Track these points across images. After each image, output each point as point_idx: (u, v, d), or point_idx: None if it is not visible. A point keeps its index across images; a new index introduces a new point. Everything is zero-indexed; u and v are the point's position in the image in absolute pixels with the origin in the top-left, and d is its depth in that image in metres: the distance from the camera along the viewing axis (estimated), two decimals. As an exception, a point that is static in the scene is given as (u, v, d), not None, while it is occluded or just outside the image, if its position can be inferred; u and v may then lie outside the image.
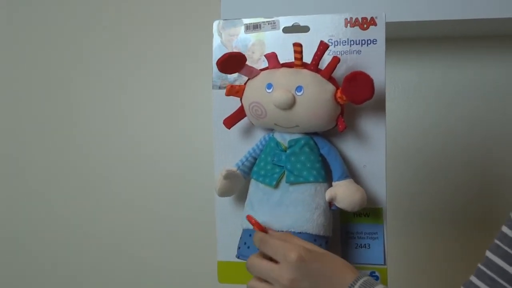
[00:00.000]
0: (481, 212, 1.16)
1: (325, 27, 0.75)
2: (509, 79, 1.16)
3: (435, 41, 1.17)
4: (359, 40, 0.74)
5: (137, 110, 1.30)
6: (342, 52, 0.75)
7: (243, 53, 0.73)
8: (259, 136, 0.78)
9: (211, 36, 0.80)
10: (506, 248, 0.77)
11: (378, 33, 0.73)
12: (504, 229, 0.79)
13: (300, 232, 0.71)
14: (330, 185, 0.73)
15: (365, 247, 0.77)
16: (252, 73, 0.74)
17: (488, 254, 0.79)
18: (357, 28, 0.74)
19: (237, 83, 0.78)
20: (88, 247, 1.34)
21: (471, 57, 1.17)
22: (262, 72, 0.74)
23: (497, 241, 0.80)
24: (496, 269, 0.76)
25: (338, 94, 0.71)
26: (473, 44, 1.16)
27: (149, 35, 1.29)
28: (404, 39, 1.16)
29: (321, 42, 0.71)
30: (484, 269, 0.78)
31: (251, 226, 0.73)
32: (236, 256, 0.76)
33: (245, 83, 0.75)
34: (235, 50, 0.78)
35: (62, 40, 1.33)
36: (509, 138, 1.16)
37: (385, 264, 0.76)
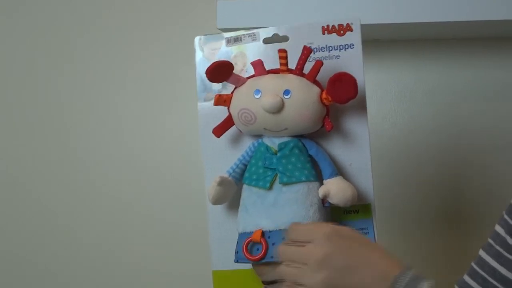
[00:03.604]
0: (472, 210, 1.19)
1: (303, 36, 0.79)
2: (503, 80, 1.19)
3: (431, 43, 1.20)
4: (337, 46, 0.78)
5: (132, 112, 1.31)
6: (322, 58, 0.78)
7: (231, 62, 0.76)
8: (247, 143, 0.80)
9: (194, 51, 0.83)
10: (498, 247, 0.79)
11: (354, 38, 0.78)
12: (497, 228, 0.81)
13: None
14: (321, 184, 0.76)
15: (357, 243, 0.79)
16: (239, 81, 0.77)
17: (481, 253, 0.81)
18: (334, 34, 0.79)
19: (223, 92, 0.80)
20: (82, 250, 1.33)
21: (468, 58, 1.20)
22: (249, 79, 0.77)
23: (490, 240, 0.81)
24: (488, 269, 0.78)
25: (324, 96, 0.74)
26: (469, 46, 1.19)
27: (144, 36, 1.31)
28: (398, 40, 1.20)
29: (305, 47, 0.75)
30: (477, 268, 0.81)
31: (248, 230, 0.75)
32: (234, 261, 0.77)
33: (232, 92, 0.78)
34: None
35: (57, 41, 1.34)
36: (503, 138, 1.19)
37: (377, 257, 0.79)
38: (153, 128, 1.31)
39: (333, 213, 0.79)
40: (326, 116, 0.76)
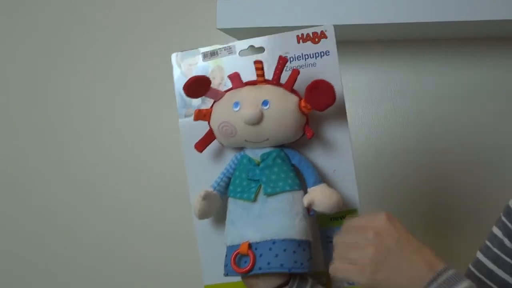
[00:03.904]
0: (465, 212, 1.19)
1: (279, 46, 0.80)
2: (504, 80, 1.19)
3: (431, 43, 1.20)
4: (312, 54, 0.79)
5: (132, 112, 1.31)
6: (298, 66, 0.79)
7: (208, 77, 0.77)
8: (230, 156, 0.80)
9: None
10: (495, 250, 0.79)
11: (329, 44, 0.78)
12: (495, 230, 0.81)
13: (284, 239, 0.73)
14: (306, 192, 0.76)
15: (346, 248, 0.79)
16: (218, 95, 0.77)
17: (479, 255, 0.81)
18: (309, 42, 0.79)
19: (203, 107, 0.81)
20: (82, 250, 1.33)
21: (468, 59, 1.20)
22: (227, 92, 0.77)
23: (487, 243, 0.82)
24: (485, 271, 0.78)
25: (303, 104, 0.75)
26: (469, 46, 1.20)
27: (144, 36, 1.31)
28: (398, 40, 1.20)
29: (280, 57, 0.75)
30: (474, 270, 0.81)
31: (235, 243, 0.75)
32: (224, 274, 0.76)
33: (211, 107, 0.78)
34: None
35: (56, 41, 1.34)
36: (503, 139, 1.19)
37: (367, 263, 0.79)
38: (153, 128, 1.31)
39: (319, 219, 0.79)
40: (306, 124, 0.76)
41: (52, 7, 1.34)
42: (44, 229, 1.34)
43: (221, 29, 1.05)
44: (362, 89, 1.21)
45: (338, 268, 0.67)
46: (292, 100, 0.75)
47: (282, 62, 0.75)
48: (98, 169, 1.32)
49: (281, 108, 0.74)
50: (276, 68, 0.75)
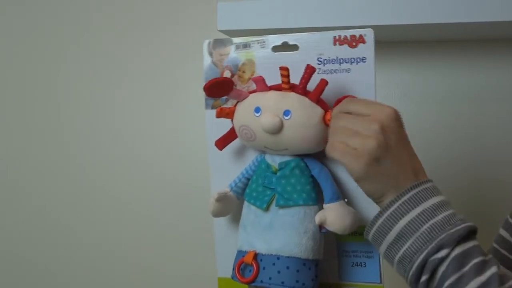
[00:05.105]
0: (472, 215, 1.15)
1: (314, 45, 0.74)
2: (505, 82, 1.15)
3: (433, 44, 1.16)
4: (348, 58, 0.73)
5: (133, 113, 1.31)
6: (332, 71, 0.73)
7: (230, 77, 0.73)
8: (253, 155, 0.78)
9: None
10: (504, 251, 0.78)
11: (367, 50, 0.72)
12: (502, 232, 0.80)
13: (288, 257, 0.71)
14: (322, 207, 0.73)
15: (361, 265, 0.76)
16: (241, 96, 0.74)
17: None
18: (346, 46, 0.73)
19: (228, 103, 0.78)
20: (82, 250, 1.36)
21: (470, 60, 1.16)
22: (251, 94, 0.73)
23: (495, 245, 0.81)
24: None
25: (328, 117, 0.70)
26: (471, 48, 1.15)
27: (144, 37, 1.30)
28: (397, 42, 1.16)
29: (308, 65, 0.69)
30: None
31: (244, 249, 0.74)
32: (231, 277, 0.76)
33: (235, 105, 0.75)
34: (226, 70, 0.78)
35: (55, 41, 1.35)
36: (504, 139, 1.16)
37: (381, 282, 0.76)
38: (154, 128, 1.30)
39: (338, 234, 0.76)
40: (330, 138, 0.71)
41: (52, 7, 1.33)
42: (44, 229, 1.37)
43: (222, 31, 1.03)
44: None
45: (336, 148, 0.65)
46: (316, 112, 0.70)
47: (309, 71, 0.69)
48: (98, 169, 1.33)
49: (303, 120, 0.70)
50: (303, 77, 0.70)
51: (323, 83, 0.70)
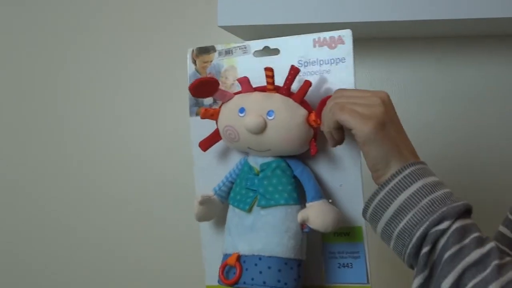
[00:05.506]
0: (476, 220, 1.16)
1: (294, 49, 0.76)
2: (506, 79, 1.16)
3: (431, 41, 1.17)
4: (328, 60, 0.74)
5: (133, 112, 1.32)
6: (313, 72, 0.75)
7: (216, 78, 0.74)
8: (237, 157, 0.79)
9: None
10: (504, 248, 0.78)
11: (346, 51, 0.73)
12: (502, 229, 0.80)
13: (270, 256, 0.71)
14: (304, 207, 0.73)
15: (348, 266, 0.76)
16: (226, 97, 0.75)
17: None
18: (325, 47, 0.74)
19: (214, 106, 0.79)
20: (82, 249, 1.36)
21: (470, 56, 1.17)
22: (236, 95, 0.74)
23: (495, 242, 0.80)
24: None
25: (312, 118, 0.71)
26: (471, 44, 1.17)
27: (144, 34, 1.32)
28: (397, 38, 1.17)
29: (292, 66, 0.71)
30: None
31: (228, 252, 0.74)
32: (218, 282, 0.76)
33: (219, 106, 0.76)
34: (209, 76, 0.79)
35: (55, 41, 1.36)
36: (504, 138, 1.17)
37: (368, 283, 0.75)
38: (154, 128, 1.31)
39: (323, 235, 0.76)
40: (314, 139, 0.72)
41: (52, 7, 1.35)
42: (44, 229, 1.37)
43: (222, 27, 1.04)
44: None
45: (346, 109, 0.65)
46: (299, 113, 0.71)
47: (294, 72, 0.71)
48: (98, 169, 1.34)
49: (286, 120, 0.71)
50: (287, 78, 0.71)
51: (307, 84, 0.71)
